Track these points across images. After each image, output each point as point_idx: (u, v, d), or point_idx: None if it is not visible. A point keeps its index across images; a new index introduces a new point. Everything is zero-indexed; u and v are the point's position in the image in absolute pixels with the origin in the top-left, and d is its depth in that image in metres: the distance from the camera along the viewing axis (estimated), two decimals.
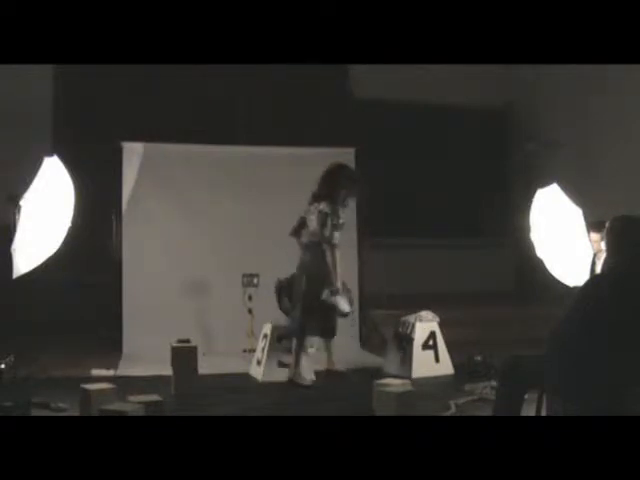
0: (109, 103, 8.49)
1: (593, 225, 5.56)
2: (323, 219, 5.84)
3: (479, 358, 6.36)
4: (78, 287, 7.93)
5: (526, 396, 3.66)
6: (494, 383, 5.27)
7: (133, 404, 4.43)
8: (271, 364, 6.17)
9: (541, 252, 5.87)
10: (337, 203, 5.92)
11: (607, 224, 3.40)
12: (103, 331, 7.54)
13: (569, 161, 9.05)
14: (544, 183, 5.94)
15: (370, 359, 7.18)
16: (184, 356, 5.68)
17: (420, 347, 6.41)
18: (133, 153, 7.68)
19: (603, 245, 4.78)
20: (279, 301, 6.29)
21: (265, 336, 6.31)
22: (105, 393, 4.77)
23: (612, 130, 8.82)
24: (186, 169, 7.78)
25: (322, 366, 6.32)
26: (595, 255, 5.56)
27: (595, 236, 5.51)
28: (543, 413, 3.53)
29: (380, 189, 9.32)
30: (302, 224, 6.05)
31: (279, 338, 6.19)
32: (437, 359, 6.46)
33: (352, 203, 6.33)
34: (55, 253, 5.35)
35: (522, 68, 9.09)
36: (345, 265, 6.29)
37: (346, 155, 8.01)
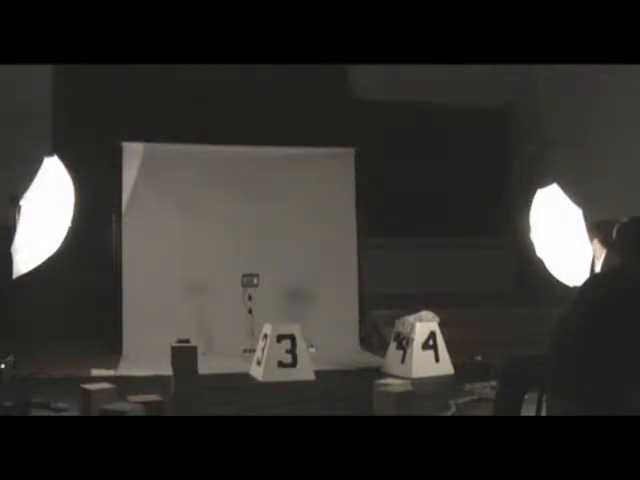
0: (109, 103, 8.48)
1: (593, 225, 5.55)
2: None
3: (479, 358, 6.37)
4: (78, 287, 7.92)
5: (526, 396, 3.66)
6: (494, 383, 5.27)
7: (133, 404, 4.43)
8: (271, 364, 6.17)
9: (541, 252, 5.86)
10: None
11: (616, 226, 3.40)
12: (103, 331, 7.54)
13: (569, 161, 9.05)
14: (544, 183, 5.93)
15: (370, 359, 7.18)
16: (184, 356, 5.69)
17: (420, 347, 6.41)
18: (133, 153, 7.68)
19: (603, 245, 4.78)
20: None
21: (265, 336, 6.30)
22: (105, 393, 4.78)
23: (612, 130, 8.82)
24: (186, 169, 7.78)
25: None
26: (595, 255, 5.54)
27: (595, 236, 5.50)
28: (543, 413, 3.53)
29: (380, 189, 9.32)
30: None
31: None
32: (437, 359, 6.45)
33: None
34: (55, 253, 5.34)
35: (522, 68, 9.08)
36: None
37: (346, 155, 8.03)
